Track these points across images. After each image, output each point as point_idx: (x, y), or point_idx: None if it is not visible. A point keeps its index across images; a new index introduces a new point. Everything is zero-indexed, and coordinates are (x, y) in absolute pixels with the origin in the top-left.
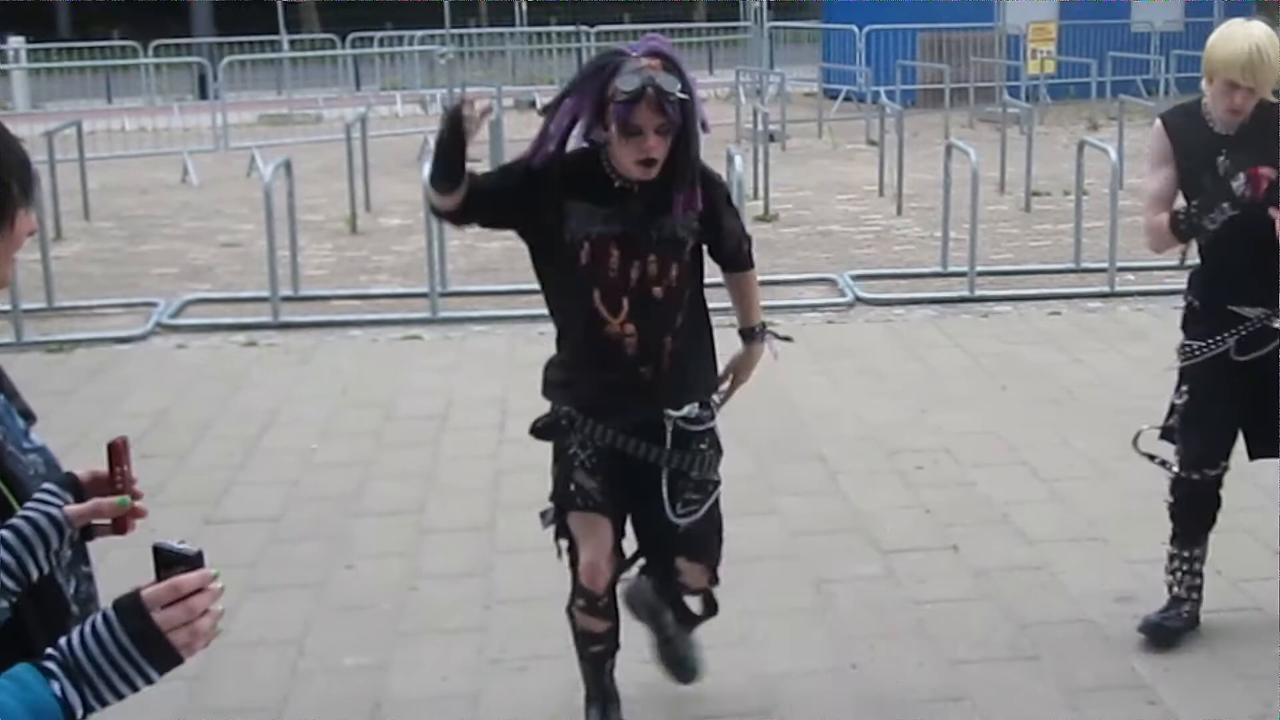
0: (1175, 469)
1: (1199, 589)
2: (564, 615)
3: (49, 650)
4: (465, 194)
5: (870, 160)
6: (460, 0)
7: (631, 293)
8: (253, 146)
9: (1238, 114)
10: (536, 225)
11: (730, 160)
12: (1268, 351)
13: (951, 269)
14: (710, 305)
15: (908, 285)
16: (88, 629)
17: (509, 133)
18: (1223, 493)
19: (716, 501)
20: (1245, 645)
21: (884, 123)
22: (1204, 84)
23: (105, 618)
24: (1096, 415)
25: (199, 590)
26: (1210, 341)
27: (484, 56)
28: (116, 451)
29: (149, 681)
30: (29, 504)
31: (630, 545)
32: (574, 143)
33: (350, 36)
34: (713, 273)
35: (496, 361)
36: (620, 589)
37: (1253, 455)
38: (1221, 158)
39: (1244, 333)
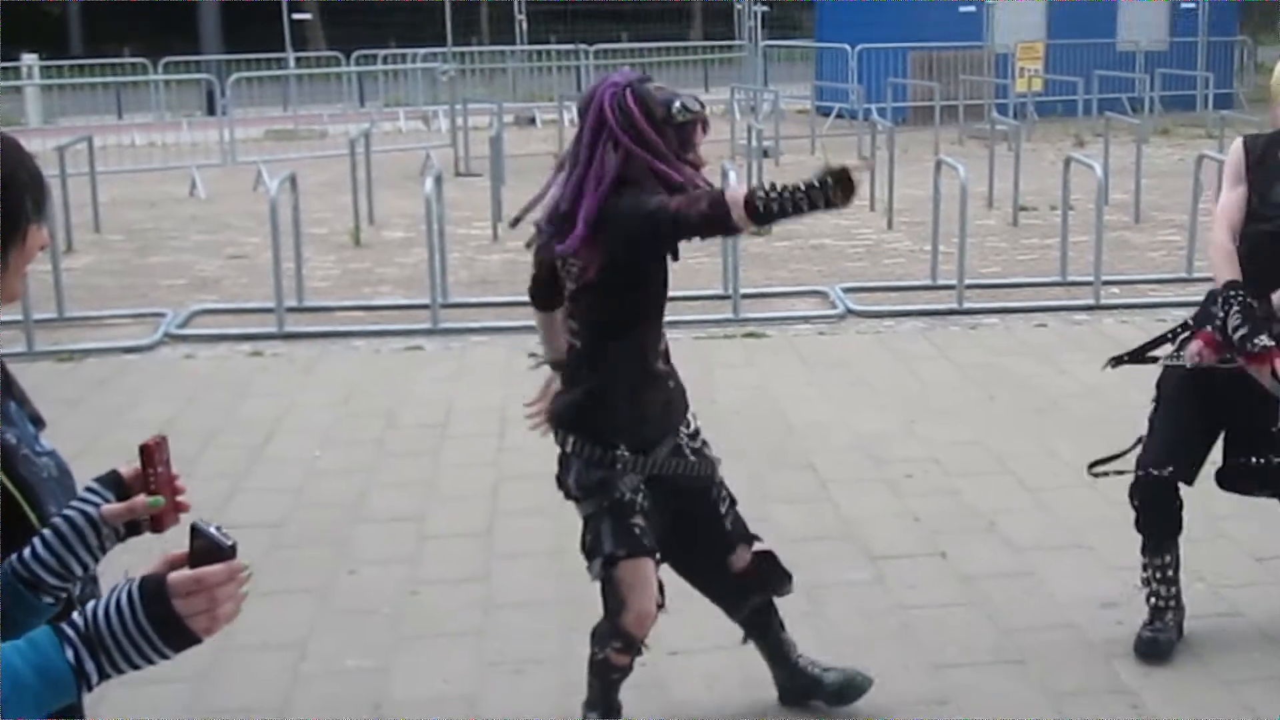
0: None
1: (1177, 596)
2: (560, 619)
3: (73, 616)
4: None
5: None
6: (462, 19)
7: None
8: (259, 161)
9: None
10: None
11: (725, 175)
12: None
13: (940, 282)
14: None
15: (898, 298)
16: (112, 603)
17: (509, 148)
18: (1206, 500)
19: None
20: (1226, 650)
21: (875, 139)
22: (1273, 111)
23: (130, 596)
24: (1081, 425)
25: (225, 583)
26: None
27: (485, 74)
28: (149, 452)
29: (164, 658)
30: (72, 503)
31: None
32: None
33: (355, 54)
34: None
35: (496, 371)
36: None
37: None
38: None
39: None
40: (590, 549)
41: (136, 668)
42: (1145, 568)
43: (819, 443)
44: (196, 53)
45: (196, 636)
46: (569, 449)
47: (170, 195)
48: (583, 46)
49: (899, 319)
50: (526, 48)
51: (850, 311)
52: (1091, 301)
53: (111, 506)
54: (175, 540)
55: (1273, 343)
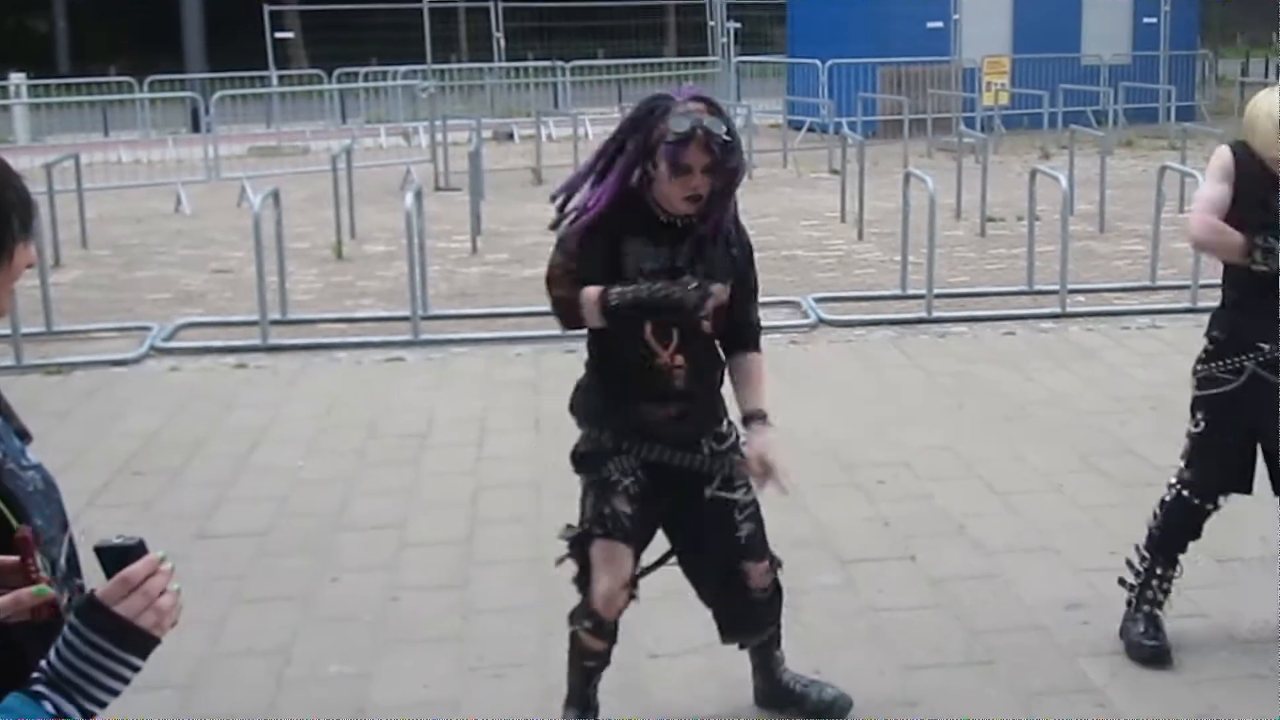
0: (1180, 491)
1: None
2: (539, 624)
3: (34, 674)
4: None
5: (832, 188)
6: (441, 37)
7: (681, 327)
8: (243, 177)
9: None
10: (607, 267)
11: None
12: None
13: (910, 292)
14: None
15: (868, 307)
16: (61, 643)
17: (488, 163)
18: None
19: (759, 505)
20: (1191, 650)
21: (846, 152)
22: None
23: (71, 626)
24: (1049, 431)
25: (151, 575)
26: (1229, 363)
27: (464, 90)
28: (26, 543)
29: (135, 669)
30: None
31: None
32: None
33: (336, 72)
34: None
35: (475, 382)
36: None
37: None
38: None
39: (1263, 359)
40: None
41: (115, 691)
42: (1151, 576)
43: (792, 449)
44: (181, 71)
45: (152, 635)
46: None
47: (156, 211)
48: (559, 63)
49: (870, 328)
50: (504, 65)
51: (822, 321)
52: (1058, 310)
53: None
54: None
55: None
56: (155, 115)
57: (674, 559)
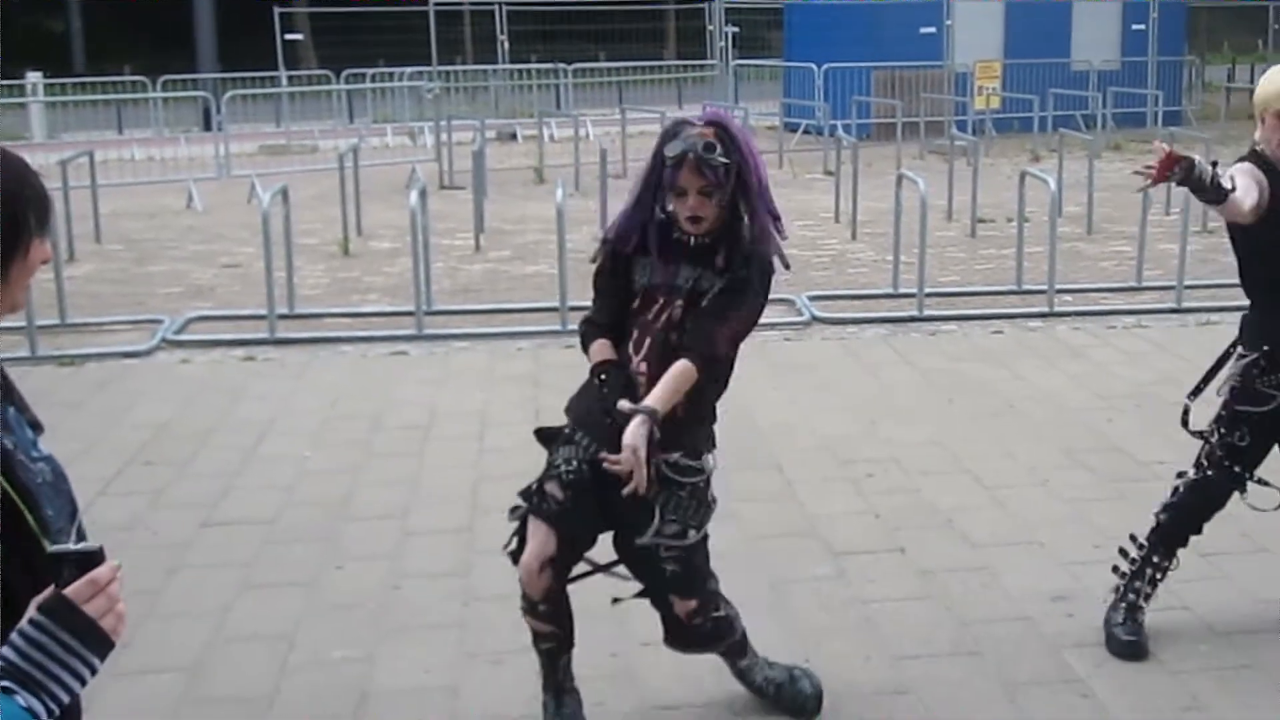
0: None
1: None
2: None
3: None
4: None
5: (827, 189)
6: (447, 39)
7: (654, 335)
8: (253, 175)
9: None
10: (619, 286)
11: None
12: None
13: (902, 290)
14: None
15: (861, 305)
16: (21, 640)
17: (491, 162)
18: (1151, 502)
19: (695, 550)
20: (1173, 642)
21: (840, 154)
22: (1257, 129)
23: (37, 624)
24: (1035, 427)
25: (112, 581)
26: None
27: (469, 91)
28: None
29: (94, 671)
30: None
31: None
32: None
33: (344, 73)
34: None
35: (477, 376)
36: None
37: None
38: None
39: None
40: None
41: (72, 692)
42: (1146, 565)
43: (785, 444)
44: (193, 71)
45: (111, 638)
46: None
47: (168, 207)
48: (562, 65)
49: (862, 326)
50: (508, 66)
51: (816, 319)
52: (1046, 309)
53: None
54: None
55: None
56: (168, 114)
57: (618, 567)
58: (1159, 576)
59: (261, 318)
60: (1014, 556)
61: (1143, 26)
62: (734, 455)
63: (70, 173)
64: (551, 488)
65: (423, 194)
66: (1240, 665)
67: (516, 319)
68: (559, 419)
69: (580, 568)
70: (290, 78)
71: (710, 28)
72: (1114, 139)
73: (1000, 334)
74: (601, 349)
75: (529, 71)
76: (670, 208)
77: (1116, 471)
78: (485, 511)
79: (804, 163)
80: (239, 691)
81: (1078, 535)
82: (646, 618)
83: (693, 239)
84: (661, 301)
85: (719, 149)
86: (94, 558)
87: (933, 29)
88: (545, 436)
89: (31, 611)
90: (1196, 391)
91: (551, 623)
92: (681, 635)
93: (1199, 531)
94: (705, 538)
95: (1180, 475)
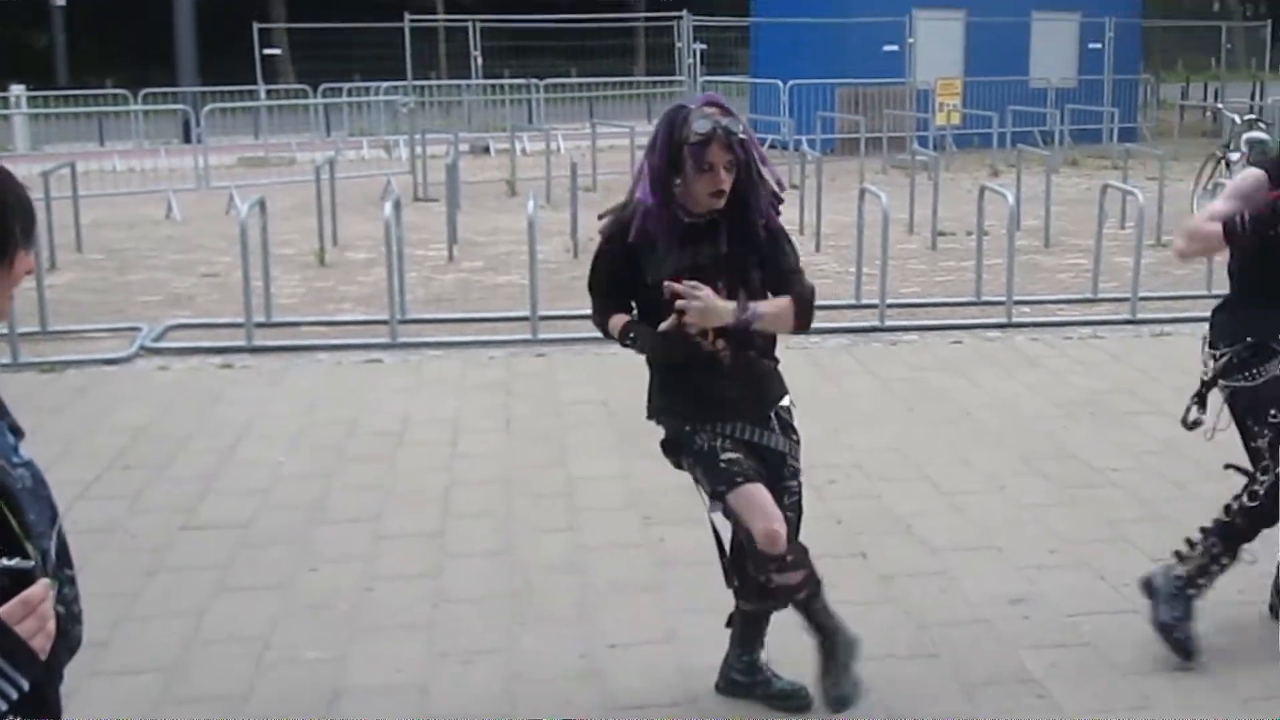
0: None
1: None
2: (507, 614)
3: None
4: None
5: (792, 202)
6: (421, 54)
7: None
8: (231, 186)
9: None
10: (620, 277)
11: None
12: None
13: (864, 301)
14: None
15: (824, 316)
16: None
17: (464, 175)
18: (1106, 507)
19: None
20: (1125, 644)
21: (805, 168)
22: None
23: None
24: (993, 435)
25: (43, 601)
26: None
27: (443, 106)
28: None
29: (20, 691)
30: None
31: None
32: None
33: (321, 87)
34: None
35: (449, 384)
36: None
37: None
38: None
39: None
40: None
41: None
42: (1214, 564)
43: None
44: (174, 85)
45: (39, 657)
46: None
47: (148, 217)
48: (534, 80)
49: (825, 335)
50: (481, 81)
51: None
52: (1004, 320)
53: None
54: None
55: None
56: (148, 126)
57: None
58: (1218, 573)
59: (239, 326)
60: (972, 561)
61: (1099, 45)
62: None
63: (52, 183)
64: (731, 455)
65: (397, 206)
66: (1188, 667)
67: (488, 328)
68: (530, 426)
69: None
70: (268, 91)
71: (679, 45)
72: (1071, 154)
73: (959, 344)
74: (619, 316)
75: (502, 87)
76: (688, 187)
77: (1072, 478)
78: (457, 516)
79: None
80: (216, 690)
81: (1034, 540)
82: (613, 619)
83: (702, 219)
84: (708, 280)
85: (739, 124)
86: (28, 575)
87: (895, 47)
88: (672, 444)
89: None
90: (1202, 401)
91: (802, 567)
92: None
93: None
94: None
95: (1257, 477)
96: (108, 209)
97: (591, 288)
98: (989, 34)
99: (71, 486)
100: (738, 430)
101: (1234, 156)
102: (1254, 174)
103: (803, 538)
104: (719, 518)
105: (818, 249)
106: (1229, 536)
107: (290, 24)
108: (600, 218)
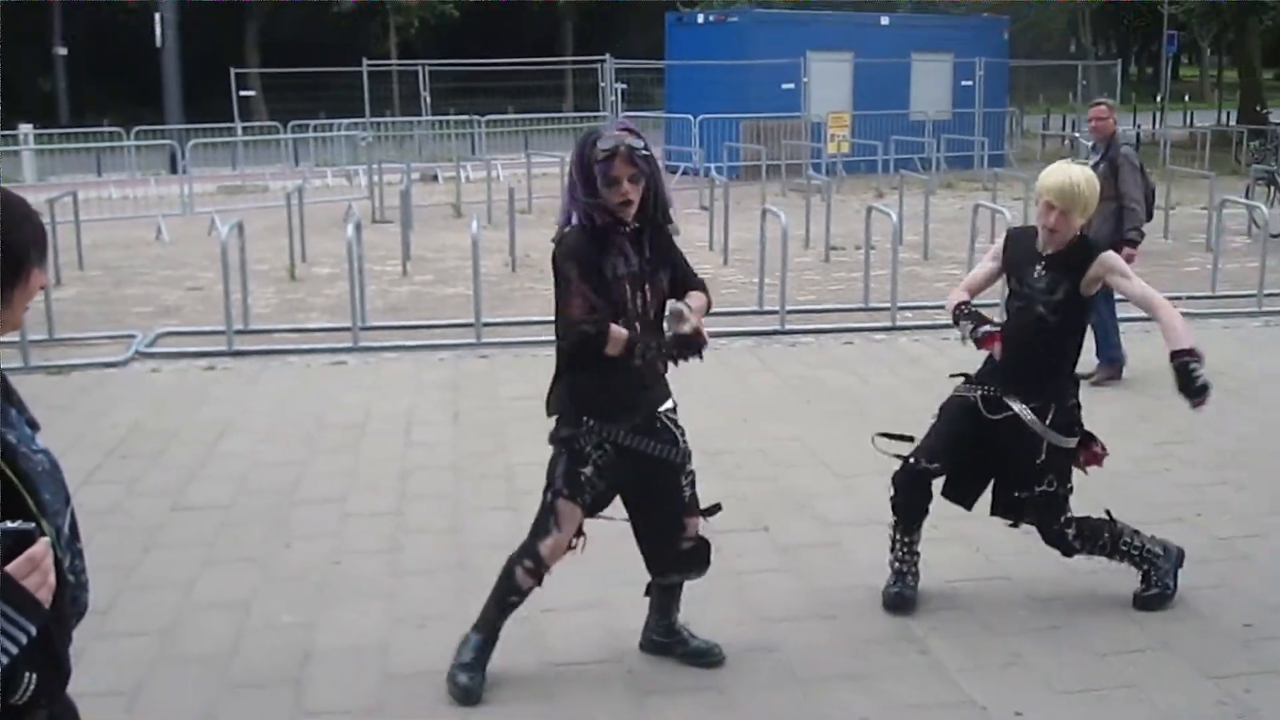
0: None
1: (915, 565)
2: (455, 583)
3: None
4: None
5: (703, 222)
6: (378, 94)
7: (641, 318)
8: (213, 211)
9: (1051, 234)
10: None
11: None
12: (1001, 424)
13: (766, 308)
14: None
15: (731, 321)
16: None
17: (416, 199)
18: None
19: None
20: (997, 608)
21: (713, 192)
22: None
23: None
24: (881, 423)
25: (45, 557)
26: (969, 383)
27: (397, 139)
28: None
29: (29, 635)
30: None
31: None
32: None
33: (290, 123)
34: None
35: (405, 382)
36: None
37: (993, 511)
38: (1039, 266)
39: (987, 393)
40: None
41: (10, 654)
42: (896, 543)
43: None
44: (162, 122)
45: (44, 608)
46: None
47: (140, 239)
48: (476, 116)
49: (732, 338)
50: (430, 118)
51: None
52: (889, 324)
53: None
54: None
55: (995, 328)
56: (140, 159)
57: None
58: (914, 551)
59: (221, 333)
60: (862, 535)
61: (970, 82)
62: None
63: (57, 210)
64: (590, 474)
65: (358, 227)
66: (1052, 626)
67: (439, 334)
68: (475, 419)
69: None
70: (244, 128)
71: (602, 85)
72: (946, 178)
73: (850, 345)
74: (619, 329)
75: (448, 122)
76: (604, 199)
77: None
78: (412, 498)
79: (683, 199)
80: (204, 651)
81: None
82: (548, 588)
83: (627, 227)
84: (633, 288)
85: (642, 143)
86: (30, 536)
87: (792, 85)
88: (565, 437)
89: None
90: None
91: (539, 584)
92: (683, 557)
93: (920, 512)
94: None
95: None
96: (105, 232)
97: (571, 297)
98: (874, 73)
99: (77, 474)
100: (622, 436)
101: None
102: (1003, 239)
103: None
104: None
105: (725, 263)
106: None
107: (263, 69)
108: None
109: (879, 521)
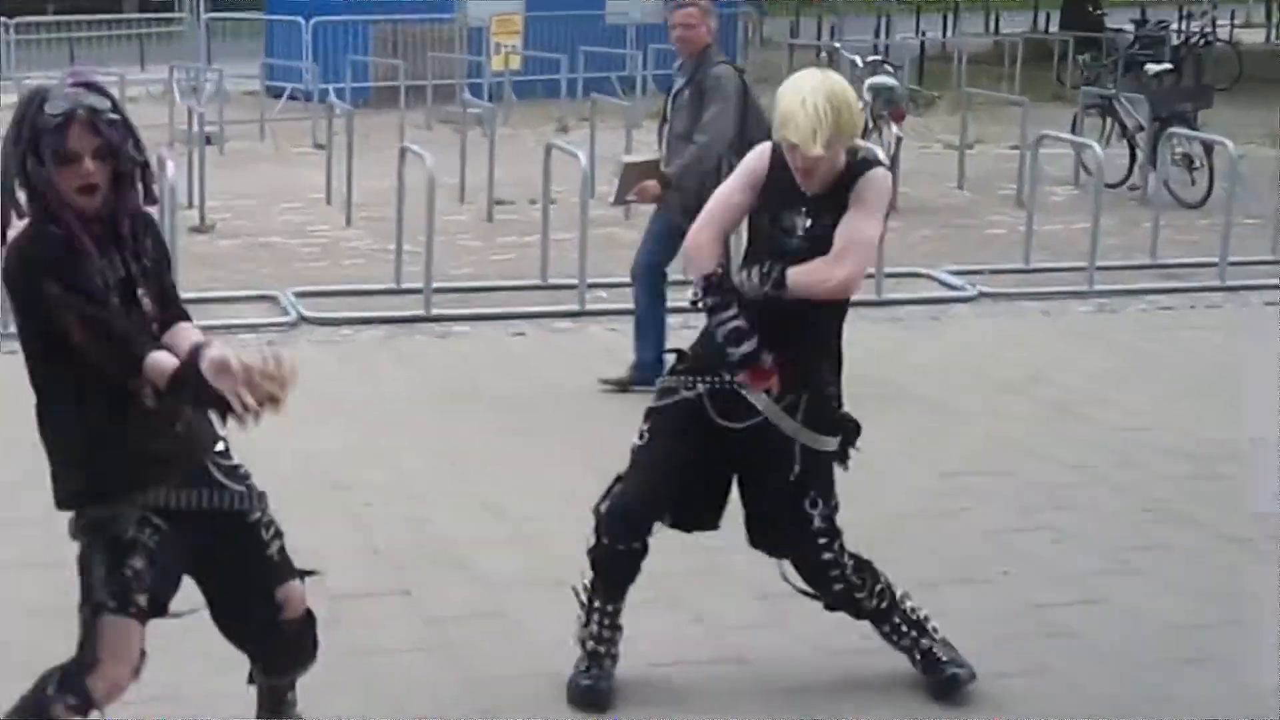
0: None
1: (617, 643)
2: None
3: None
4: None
5: (317, 165)
6: None
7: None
8: None
9: (808, 175)
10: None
11: (162, 165)
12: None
13: (406, 285)
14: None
15: (357, 303)
16: None
17: None
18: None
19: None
20: (726, 705)
21: (332, 124)
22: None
23: None
24: (567, 445)
25: None
26: (685, 369)
27: None
28: None
29: None
30: None
31: None
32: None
33: None
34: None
35: None
36: None
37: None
38: (800, 215)
39: (716, 385)
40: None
41: None
42: (593, 614)
43: (264, 465)
44: None
45: None
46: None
47: None
48: (2, 19)
49: (359, 327)
50: None
51: (304, 319)
52: (576, 308)
53: None
54: None
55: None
56: None
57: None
58: (618, 620)
59: None
60: (539, 600)
61: None
62: None
63: None
64: (137, 567)
65: None
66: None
67: None
68: None
69: None
70: None
71: None
72: (657, 105)
73: (522, 336)
74: (162, 355)
75: None
76: (54, 184)
77: None
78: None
79: (290, 134)
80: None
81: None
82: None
83: (105, 225)
84: (128, 302)
85: (109, 103)
86: None
87: None
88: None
89: None
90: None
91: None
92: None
93: (634, 570)
94: None
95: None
96: None
97: (94, 319)
98: None
99: None
100: (171, 498)
101: None
102: (762, 150)
103: (336, 572)
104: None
105: (349, 222)
106: None
107: None
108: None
109: (563, 582)
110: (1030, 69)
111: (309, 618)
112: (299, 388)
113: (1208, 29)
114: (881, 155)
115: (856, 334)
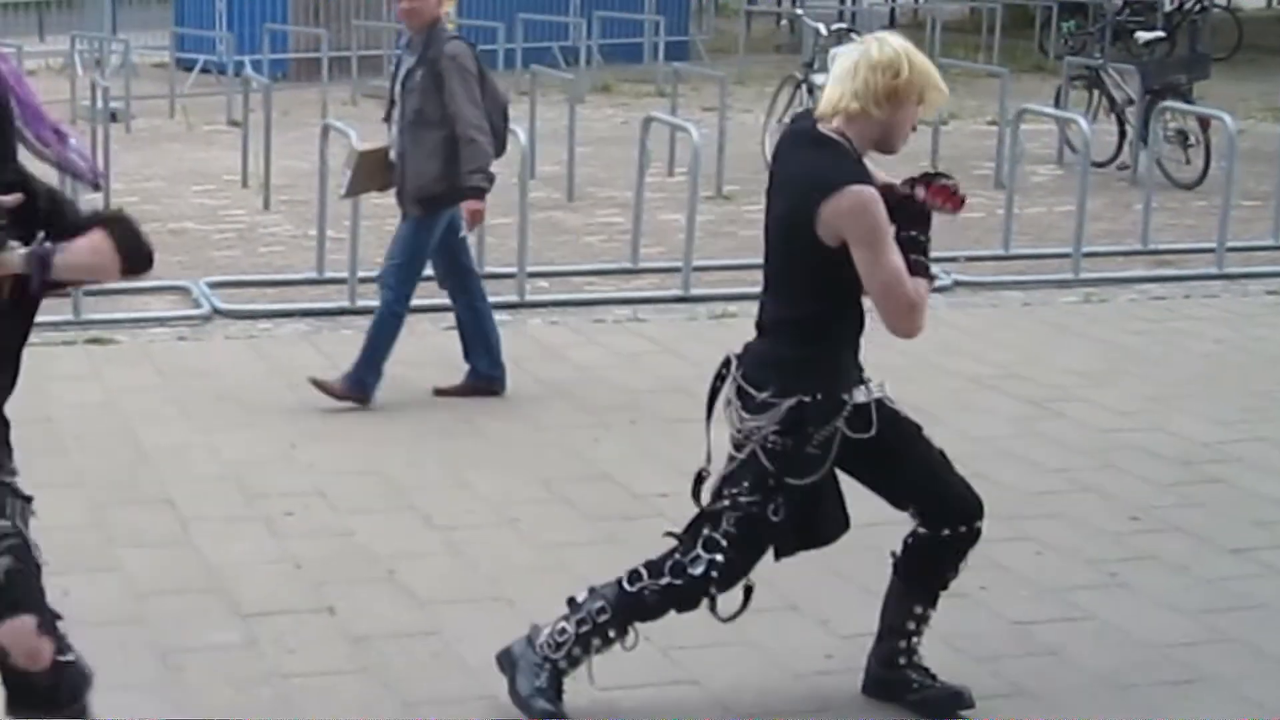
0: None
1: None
2: None
3: None
4: None
5: (233, 144)
6: None
7: None
8: None
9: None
10: None
11: (65, 140)
12: None
13: (329, 275)
14: None
15: (276, 294)
16: None
17: None
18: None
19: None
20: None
21: (248, 99)
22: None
23: None
24: (503, 450)
25: None
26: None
27: None
28: None
29: None
30: None
31: None
32: None
33: None
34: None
35: None
36: None
37: None
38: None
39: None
40: None
41: None
42: (602, 650)
43: (178, 472)
44: None
45: None
46: None
47: None
48: None
49: (278, 320)
50: None
51: (218, 311)
52: (515, 299)
53: None
54: None
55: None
56: None
57: None
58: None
59: None
60: (473, 618)
61: None
62: (111, 486)
63: None
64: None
65: None
66: None
67: None
68: None
69: None
70: None
71: None
72: (602, 78)
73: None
74: None
75: None
76: None
77: (605, 507)
78: None
79: (202, 110)
80: None
81: (556, 589)
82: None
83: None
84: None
85: None
86: None
87: None
88: None
89: None
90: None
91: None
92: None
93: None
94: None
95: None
96: None
97: None
98: None
99: None
100: None
101: (819, 79)
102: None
103: (252, 588)
104: None
105: (267, 206)
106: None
107: None
108: None
109: (498, 598)
110: (1010, 37)
111: (57, 670)
112: (213, 386)
113: None
114: None
115: None
